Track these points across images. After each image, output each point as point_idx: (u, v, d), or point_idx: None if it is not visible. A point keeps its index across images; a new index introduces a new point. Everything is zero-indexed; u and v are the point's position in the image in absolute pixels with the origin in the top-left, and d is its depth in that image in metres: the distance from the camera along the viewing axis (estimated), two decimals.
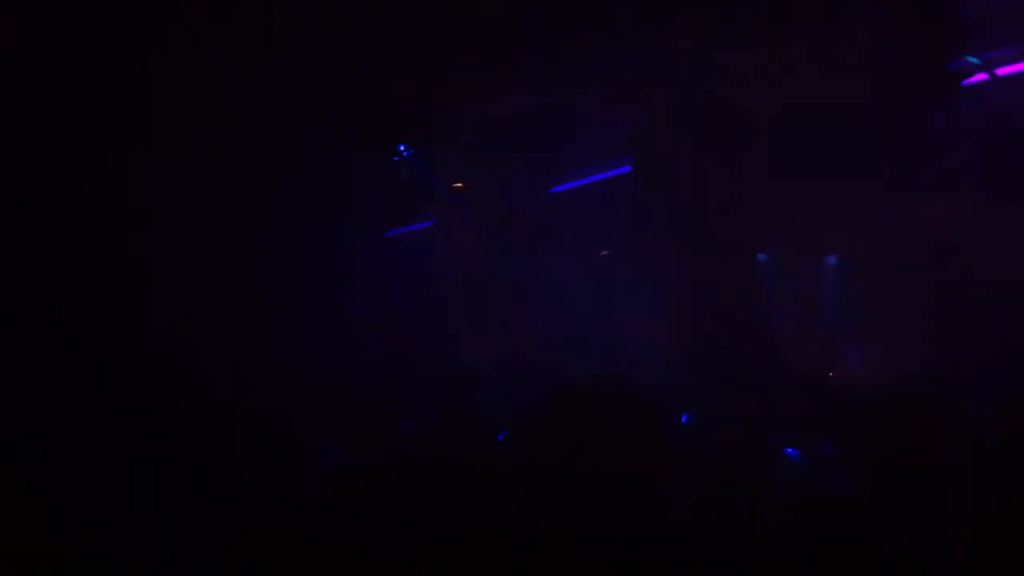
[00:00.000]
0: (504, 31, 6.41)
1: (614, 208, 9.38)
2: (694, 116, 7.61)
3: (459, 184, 9.99)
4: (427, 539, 1.91)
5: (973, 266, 7.94)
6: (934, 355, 7.74)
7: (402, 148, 9.44)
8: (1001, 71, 6.80)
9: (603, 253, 10.89)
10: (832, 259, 10.00)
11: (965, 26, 6.23)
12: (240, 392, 6.50)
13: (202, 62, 6.28)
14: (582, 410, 1.76)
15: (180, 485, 3.96)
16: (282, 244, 9.54)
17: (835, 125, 7.15)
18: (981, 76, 6.88)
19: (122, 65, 6.18)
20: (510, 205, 10.00)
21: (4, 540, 3.48)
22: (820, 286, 9.87)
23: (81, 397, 6.18)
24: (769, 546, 2.71)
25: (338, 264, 10.51)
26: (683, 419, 5.60)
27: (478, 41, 6.56)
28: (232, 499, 3.98)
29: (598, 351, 9.44)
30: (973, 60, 6.61)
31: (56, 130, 6.61)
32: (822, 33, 6.41)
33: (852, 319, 9.41)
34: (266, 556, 3.25)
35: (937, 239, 8.14)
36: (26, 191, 6.98)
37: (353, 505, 3.65)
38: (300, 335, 9.18)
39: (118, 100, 6.52)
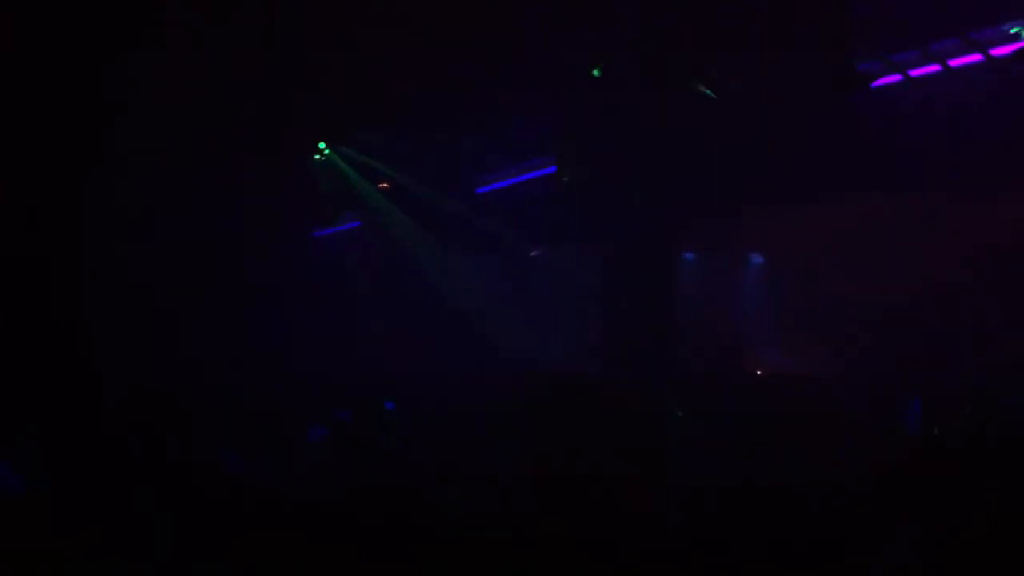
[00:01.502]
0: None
1: (540, 208, 9.38)
2: (617, 117, 7.60)
3: (385, 183, 9.93)
4: (427, 539, 1.91)
5: (903, 267, 7.88)
6: (852, 356, 7.76)
7: (323, 147, 9.32)
8: (915, 72, 6.76)
9: (533, 253, 10.81)
10: (758, 258, 9.95)
11: (874, 27, 6.22)
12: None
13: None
14: (583, 410, 1.76)
15: (179, 485, 3.96)
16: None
17: (756, 126, 7.14)
18: (893, 77, 6.87)
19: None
20: (434, 205, 9.96)
21: (4, 540, 3.48)
22: (745, 285, 9.82)
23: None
24: (766, 546, 2.72)
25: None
26: None
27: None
28: (231, 499, 3.99)
29: (522, 350, 9.41)
30: None
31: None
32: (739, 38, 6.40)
33: (776, 318, 9.37)
34: (264, 556, 3.25)
35: (870, 239, 8.10)
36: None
37: (353, 505, 3.65)
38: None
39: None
